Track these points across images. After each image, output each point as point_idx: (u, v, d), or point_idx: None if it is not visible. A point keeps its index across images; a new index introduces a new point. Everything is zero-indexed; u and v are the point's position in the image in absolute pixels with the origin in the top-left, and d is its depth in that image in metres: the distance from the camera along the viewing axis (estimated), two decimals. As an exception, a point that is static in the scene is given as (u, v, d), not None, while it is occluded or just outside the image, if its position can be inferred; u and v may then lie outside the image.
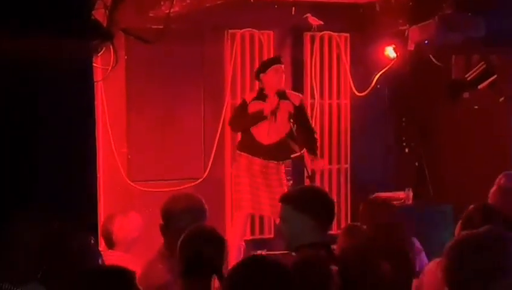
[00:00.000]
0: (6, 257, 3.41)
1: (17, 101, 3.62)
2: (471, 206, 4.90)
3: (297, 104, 7.23)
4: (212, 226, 4.06)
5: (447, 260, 3.16)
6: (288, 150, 7.27)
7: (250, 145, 7.18)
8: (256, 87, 7.39)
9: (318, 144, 7.55)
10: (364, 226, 4.80)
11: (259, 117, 7.10)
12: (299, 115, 7.23)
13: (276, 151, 7.21)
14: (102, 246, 5.41)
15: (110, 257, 5.02)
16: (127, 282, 2.97)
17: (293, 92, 7.41)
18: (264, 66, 7.26)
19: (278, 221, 7.15)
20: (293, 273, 3.25)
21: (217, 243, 3.92)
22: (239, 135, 7.51)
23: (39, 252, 3.49)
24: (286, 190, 7.20)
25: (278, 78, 7.13)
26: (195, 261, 3.80)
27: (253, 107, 7.13)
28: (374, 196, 7.02)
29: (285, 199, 4.09)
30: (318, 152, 7.49)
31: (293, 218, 3.95)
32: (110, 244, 5.52)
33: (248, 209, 7.23)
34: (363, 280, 3.81)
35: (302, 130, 7.27)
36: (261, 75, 7.18)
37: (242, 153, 7.24)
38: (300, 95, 7.45)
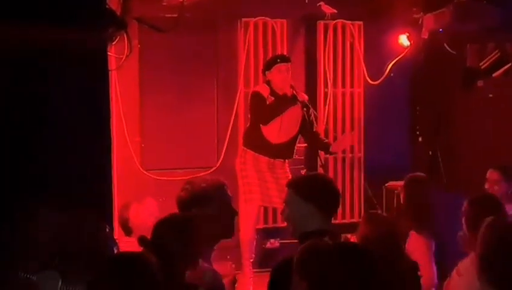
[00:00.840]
0: (22, 246, 3.42)
1: (31, 90, 3.62)
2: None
3: (289, 94, 7.12)
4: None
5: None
6: (294, 150, 7.29)
7: (257, 144, 7.17)
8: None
9: (324, 136, 7.56)
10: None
11: (279, 112, 7.07)
12: (305, 117, 7.15)
13: (284, 151, 7.22)
14: (119, 234, 5.44)
15: (128, 244, 5.03)
16: (144, 267, 2.97)
17: (299, 91, 7.34)
18: (269, 64, 7.25)
19: None
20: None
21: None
22: (246, 130, 7.47)
23: (55, 240, 3.50)
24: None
25: (281, 77, 7.08)
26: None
27: (272, 103, 7.10)
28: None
29: (290, 184, 4.13)
30: (330, 139, 7.51)
31: (296, 203, 3.98)
32: (128, 231, 5.54)
33: (258, 202, 7.24)
34: (389, 268, 3.81)
35: (309, 135, 7.26)
36: (266, 72, 7.19)
37: (248, 150, 7.23)
38: (306, 96, 7.38)
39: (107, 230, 3.65)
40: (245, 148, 7.28)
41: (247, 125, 7.47)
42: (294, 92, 7.11)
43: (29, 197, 3.67)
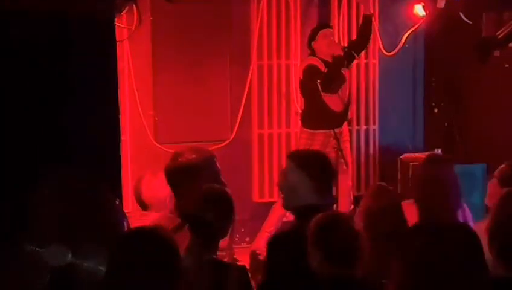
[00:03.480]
0: (31, 218, 3.40)
1: (37, 61, 3.59)
2: (503, 164, 4.86)
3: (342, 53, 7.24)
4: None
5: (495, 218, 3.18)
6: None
7: (325, 118, 7.15)
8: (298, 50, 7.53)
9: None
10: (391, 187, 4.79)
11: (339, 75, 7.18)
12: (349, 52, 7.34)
13: (346, 113, 7.43)
14: (135, 209, 5.42)
15: (145, 218, 5.01)
16: (165, 241, 2.93)
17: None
18: (313, 33, 7.33)
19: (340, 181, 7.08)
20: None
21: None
22: (304, 110, 7.46)
23: (64, 212, 3.48)
24: (349, 146, 7.52)
25: (327, 41, 7.20)
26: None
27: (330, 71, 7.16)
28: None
29: (290, 156, 4.22)
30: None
31: (293, 174, 4.04)
32: (143, 205, 5.52)
33: None
34: (390, 239, 3.80)
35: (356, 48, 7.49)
36: (312, 43, 7.23)
37: (317, 132, 7.21)
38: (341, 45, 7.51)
39: (117, 203, 3.63)
40: (312, 131, 7.30)
41: (306, 105, 7.44)
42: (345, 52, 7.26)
43: (39, 169, 3.65)
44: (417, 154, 7.80)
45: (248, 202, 7.86)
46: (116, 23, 4.42)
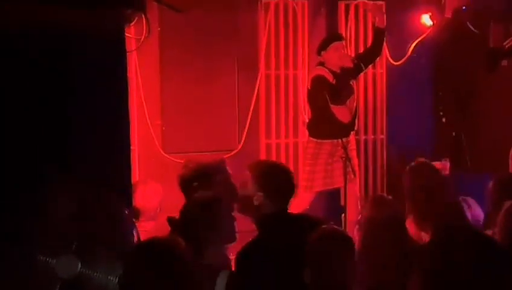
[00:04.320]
0: (42, 227, 3.41)
1: (48, 72, 3.60)
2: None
3: (352, 66, 7.26)
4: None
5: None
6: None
7: (332, 128, 7.14)
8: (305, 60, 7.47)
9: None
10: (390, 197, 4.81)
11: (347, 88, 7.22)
12: (359, 64, 7.33)
13: (354, 123, 7.40)
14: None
15: (143, 227, 5.03)
16: (179, 252, 2.94)
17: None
18: (325, 43, 7.29)
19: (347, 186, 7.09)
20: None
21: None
22: (311, 120, 7.46)
23: (74, 222, 3.48)
24: (356, 155, 7.50)
25: (338, 55, 7.16)
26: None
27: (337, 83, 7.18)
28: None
29: (250, 167, 4.33)
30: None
31: (252, 186, 4.17)
32: (134, 214, 5.53)
33: (319, 188, 7.25)
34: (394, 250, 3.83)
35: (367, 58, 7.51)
36: (322, 52, 7.21)
37: (324, 141, 7.21)
38: (351, 57, 7.49)
39: (126, 213, 3.63)
40: (319, 140, 7.26)
41: (313, 115, 7.44)
42: (355, 64, 7.28)
43: (49, 178, 3.65)
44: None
45: (256, 212, 7.84)
46: (126, 34, 4.42)
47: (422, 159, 5.73)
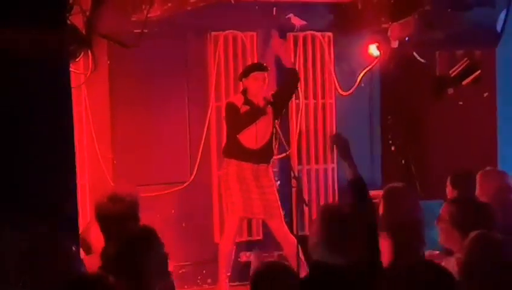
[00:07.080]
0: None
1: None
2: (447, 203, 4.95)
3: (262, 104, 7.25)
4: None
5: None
6: (273, 151, 7.37)
7: (238, 151, 7.22)
8: (240, 89, 7.44)
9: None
10: None
11: (251, 121, 7.15)
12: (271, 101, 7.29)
13: (265, 154, 7.29)
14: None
15: (88, 263, 4.98)
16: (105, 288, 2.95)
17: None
18: (247, 71, 7.35)
19: (269, 222, 7.21)
20: None
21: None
22: (224, 141, 7.51)
23: (21, 260, 3.47)
24: (276, 190, 7.27)
25: (257, 85, 7.20)
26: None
27: (245, 113, 7.19)
28: None
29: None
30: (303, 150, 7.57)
31: None
32: (87, 250, 5.49)
33: (240, 213, 7.25)
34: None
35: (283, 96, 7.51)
36: (243, 79, 7.26)
37: (231, 160, 7.25)
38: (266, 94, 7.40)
39: (74, 249, 3.62)
40: (227, 159, 7.29)
41: (226, 136, 7.51)
42: (266, 103, 7.20)
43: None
44: (376, 192, 7.85)
45: (209, 243, 7.84)
46: (73, 69, 4.44)
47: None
